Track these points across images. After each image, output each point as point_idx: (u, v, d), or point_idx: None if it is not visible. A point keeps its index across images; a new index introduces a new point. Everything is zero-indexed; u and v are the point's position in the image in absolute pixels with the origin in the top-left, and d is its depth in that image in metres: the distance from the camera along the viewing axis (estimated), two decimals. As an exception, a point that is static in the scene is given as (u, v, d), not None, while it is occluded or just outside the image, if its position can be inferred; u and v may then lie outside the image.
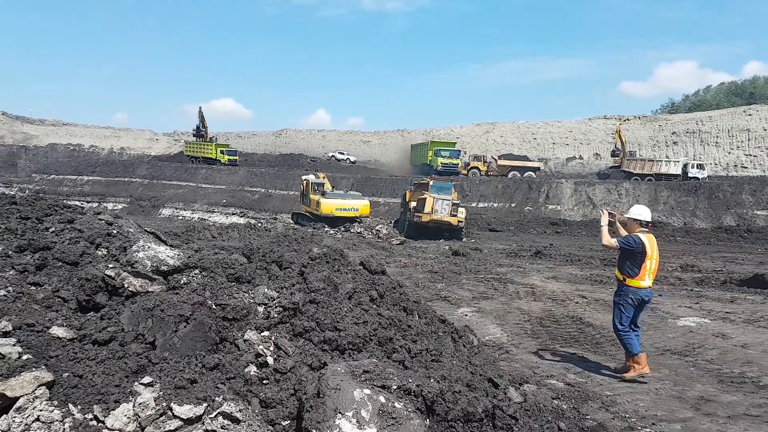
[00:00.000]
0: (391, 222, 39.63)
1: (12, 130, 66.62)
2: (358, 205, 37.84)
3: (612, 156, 65.48)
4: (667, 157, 65.73)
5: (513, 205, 50.15)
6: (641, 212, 8.38)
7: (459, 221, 35.11)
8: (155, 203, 53.55)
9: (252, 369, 5.77)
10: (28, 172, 61.27)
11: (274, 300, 6.89)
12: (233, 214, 49.39)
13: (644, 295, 8.31)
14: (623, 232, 8.77)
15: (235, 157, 63.81)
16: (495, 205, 50.18)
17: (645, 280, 8.16)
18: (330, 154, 74.80)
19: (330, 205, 36.82)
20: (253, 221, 42.82)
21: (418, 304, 9.41)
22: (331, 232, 34.67)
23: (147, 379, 5.13)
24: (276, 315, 6.58)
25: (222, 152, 62.86)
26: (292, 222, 40.25)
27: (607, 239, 8.56)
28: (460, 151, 61.88)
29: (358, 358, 6.16)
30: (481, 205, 50.19)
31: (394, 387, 5.06)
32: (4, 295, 5.98)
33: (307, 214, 39.02)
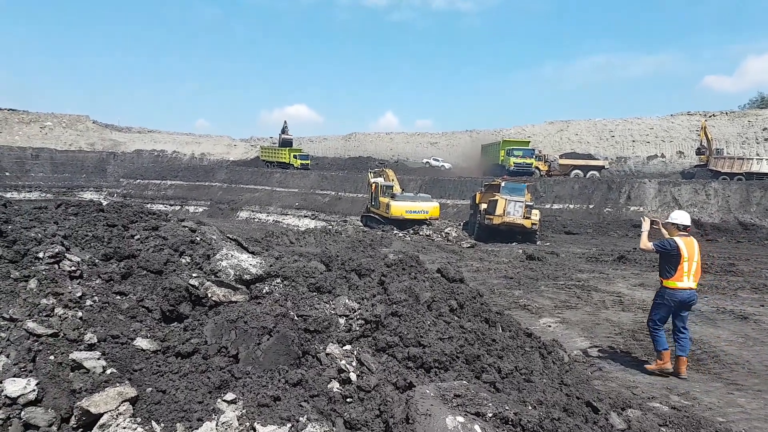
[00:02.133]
0: (460, 224, 38.80)
1: (102, 137, 71.28)
2: (428, 207, 37.20)
3: (697, 154, 61.05)
4: (758, 154, 60.59)
5: (591, 206, 47.85)
6: (678, 217, 8.80)
7: (533, 223, 33.73)
8: (233, 206, 55.53)
9: (335, 386, 5.49)
10: (116, 177, 65.29)
11: (356, 311, 6.61)
12: (305, 216, 50.33)
13: (683, 297, 8.66)
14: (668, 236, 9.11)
15: (307, 162, 65.25)
16: (571, 206, 48.06)
17: (682, 281, 8.57)
18: (425, 161, 72.97)
19: (400, 208, 36.50)
20: (324, 224, 43.35)
21: (500, 315, 8.87)
22: (400, 234, 34.37)
23: (230, 396, 4.96)
24: (358, 328, 6.28)
25: (295, 157, 64.50)
26: (361, 224, 40.36)
27: (645, 243, 8.98)
28: (534, 150, 59.74)
29: (444, 378, 5.75)
30: (555, 206, 48.25)
31: (490, 415, 4.60)
32: (90, 306, 6.03)
33: (376, 216, 38.97)
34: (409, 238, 32.58)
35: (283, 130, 68.79)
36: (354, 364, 5.77)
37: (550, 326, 12.28)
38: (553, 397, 6.12)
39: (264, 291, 6.84)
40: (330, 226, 37.08)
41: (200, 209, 55.75)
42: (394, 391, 5.46)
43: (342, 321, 6.48)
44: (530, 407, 5.16)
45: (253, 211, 54.20)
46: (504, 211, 32.99)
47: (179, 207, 56.05)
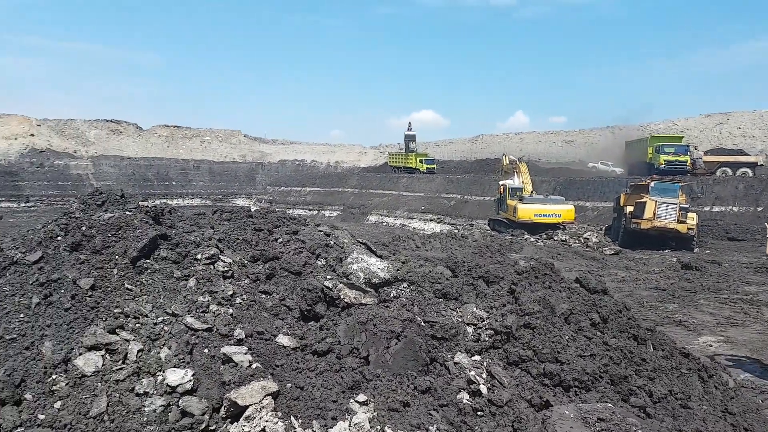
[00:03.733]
0: (601, 229, 36.17)
1: (251, 149, 78.03)
2: (560, 210, 34.87)
3: None
4: None
5: (759, 209, 42.06)
6: None
7: (689, 228, 29.97)
8: (364, 211, 57.61)
9: (464, 397, 5.39)
10: (264, 185, 71.06)
11: (484, 321, 6.43)
12: (430, 220, 50.53)
13: None
14: None
15: (432, 166, 65.77)
16: (735, 209, 42.60)
17: None
18: (591, 165, 64.69)
19: (528, 211, 34.78)
20: (450, 228, 43.17)
21: (651, 331, 8.10)
22: (532, 239, 32.91)
23: (362, 397, 5.09)
24: (487, 338, 6.11)
25: (421, 161, 65.37)
26: (488, 228, 39.43)
27: None
28: (688, 146, 53.40)
29: (586, 399, 5.36)
30: (716, 209, 43.10)
31: (637, 442, 4.19)
32: (240, 303, 6.56)
33: (504, 220, 37.79)
34: (541, 243, 31.12)
35: (409, 129, 70.06)
36: (484, 376, 5.61)
37: (711, 346, 10.96)
38: (716, 427, 5.44)
39: (391, 295, 6.95)
40: (456, 230, 36.80)
41: (334, 214, 58.61)
42: (529, 409, 5.21)
43: (470, 330, 6.35)
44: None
45: (381, 215, 55.74)
46: (654, 214, 29.87)
47: (316, 212, 59.45)
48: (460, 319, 6.42)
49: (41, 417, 4.84)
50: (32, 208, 50.56)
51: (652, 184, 32.23)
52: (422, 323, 6.05)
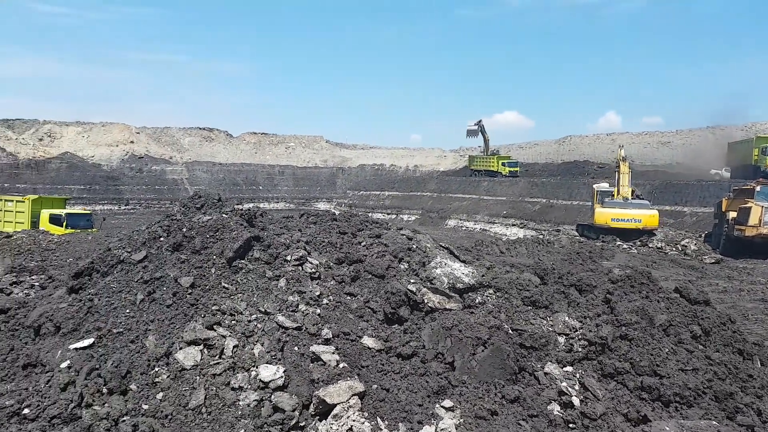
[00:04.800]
0: (700, 236, 33.61)
1: (333, 154, 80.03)
2: (640, 215, 32.43)
3: None
4: None
5: None
6: None
7: (799, 236, 27.54)
8: (442, 215, 57.26)
9: (555, 408, 5.19)
10: (344, 189, 72.57)
11: (577, 331, 6.17)
12: (513, 225, 49.24)
13: None
14: None
15: (516, 168, 64.06)
16: None
17: None
18: (713, 172, 57.43)
19: (604, 215, 32.87)
20: (534, 233, 41.90)
21: (759, 346, 7.44)
22: (624, 246, 31.17)
23: (448, 403, 5.04)
24: (580, 349, 5.85)
25: (503, 164, 63.87)
26: (576, 234, 37.85)
27: None
28: (802, 147, 48.52)
29: (687, 415, 5.01)
30: (832, 215, 38.93)
31: (750, 466, 3.84)
32: (326, 304, 6.72)
33: (590, 225, 36.09)
34: (635, 251, 29.40)
35: (475, 124, 68.25)
36: (576, 387, 5.39)
37: (828, 365, 9.86)
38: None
39: (477, 301, 6.84)
40: (541, 236, 35.62)
41: (413, 218, 58.69)
42: (625, 423, 4.95)
43: (561, 340, 6.12)
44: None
45: (460, 220, 55.07)
46: (760, 220, 27.35)
47: (395, 216, 59.85)
48: (550, 329, 6.20)
49: (145, 407, 5.18)
50: (131, 211, 54.67)
51: (758, 188, 29.47)
52: (510, 331, 5.90)
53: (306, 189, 72.12)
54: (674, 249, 30.54)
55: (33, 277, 9.56)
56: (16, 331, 6.96)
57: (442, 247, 9.00)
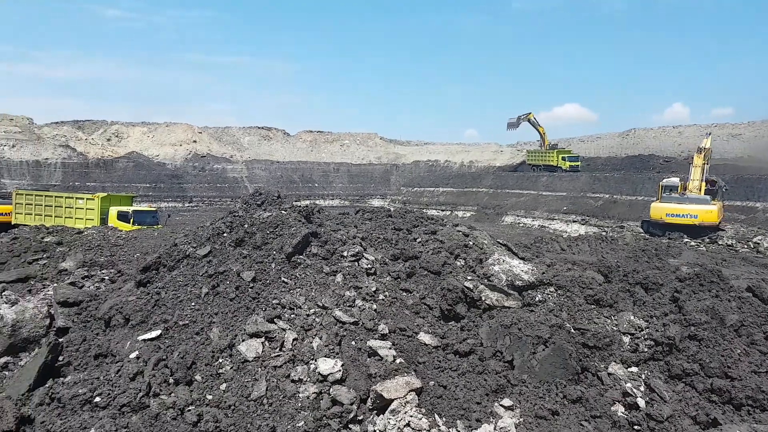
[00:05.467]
0: (776, 233, 31.59)
1: (387, 151, 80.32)
2: (696, 210, 30.70)
3: None
4: None
5: None
6: None
7: None
8: (499, 211, 56.24)
9: (619, 409, 5.01)
10: (398, 186, 72.68)
11: (643, 330, 5.92)
12: (574, 221, 47.72)
13: None
14: None
15: (576, 163, 62.04)
16: None
17: None
18: None
19: (659, 210, 31.37)
20: (597, 230, 40.50)
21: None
22: (692, 243, 29.70)
23: (507, 402, 4.96)
24: (646, 349, 5.61)
25: (563, 159, 62.02)
26: (642, 231, 36.30)
27: None
28: None
29: (761, 419, 4.71)
30: None
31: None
32: (382, 300, 6.75)
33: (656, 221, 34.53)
34: (704, 248, 27.93)
35: (517, 119, 66.15)
36: (642, 389, 5.18)
37: None
38: None
39: (537, 299, 6.68)
40: (604, 233, 34.36)
41: (468, 214, 57.94)
42: (693, 426, 4.71)
43: (626, 339, 5.89)
44: None
45: (518, 216, 53.90)
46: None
47: (449, 212, 59.28)
48: (615, 328, 5.99)
49: (209, 397, 5.37)
50: (194, 208, 56.79)
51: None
52: (572, 330, 5.74)
53: (360, 186, 72.72)
54: (745, 246, 28.83)
55: (103, 271, 10.09)
56: (88, 323, 7.39)
57: (500, 243, 8.85)
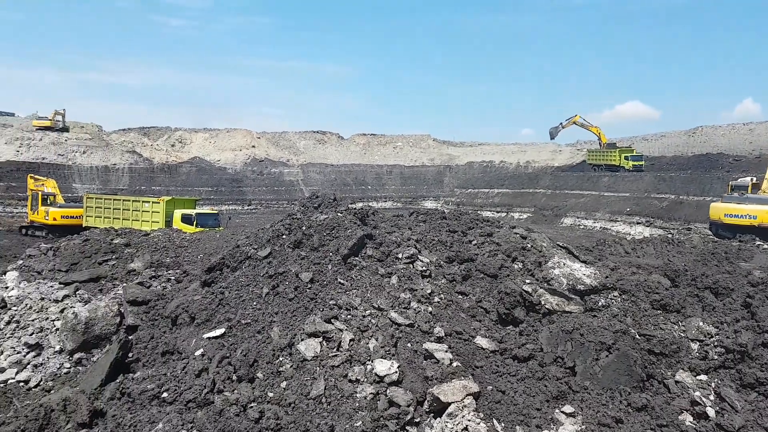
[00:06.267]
0: None
1: (440, 152, 79.95)
2: (756, 211, 28.95)
3: None
4: None
5: None
6: None
7: None
8: (557, 213, 54.80)
9: (687, 418, 4.78)
10: (451, 187, 72.15)
11: (712, 337, 5.63)
12: (638, 223, 45.83)
13: None
14: None
15: (640, 163, 59.59)
16: None
17: None
18: None
19: (718, 210, 29.81)
20: (662, 232, 38.76)
21: None
22: (765, 246, 27.94)
23: (569, 409, 4.84)
24: (716, 357, 5.34)
25: (626, 158, 59.76)
26: (710, 233, 34.47)
27: None
28: None
29: None
30: None
31: None
32: (438, 302, 6.74)
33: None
34: (778, 252, 26.27)
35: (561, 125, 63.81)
36: (711, 398, 4.93)
37: None
38: None
39: (599, 304, 6.47)
40: (670, 235, 32.83)
41: (524, 216, 56.75)
42: (772, 440, 4.44)
43: (695, 346, 5.61)
44: None
45: (577, 218, 52.33)
46: None
47: (505, 214, 58.22)
48: (682, 334, 5.73)
49: (270, 395, 5.51)
50: (253, 211, 58.49)
51: None
52: (637, 336, 5.54)
53: (413, 188, 72.70)
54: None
55: (169, 272, 10.55)
56: (155, 321, 7.75)
57: (560, 246, 8.63)
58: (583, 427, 4.38)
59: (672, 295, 6.47)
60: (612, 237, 34.27)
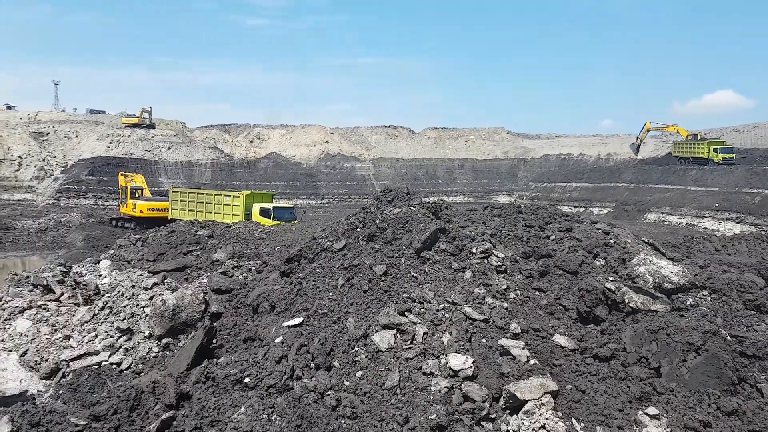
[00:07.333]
0: None
1: (514, 145, 78.05)
2: None
3: None
4: None
5: None
6: None
7: None
8: (640, 208, 52.09)
9: (788, 430, 4.45)
10: (526, 181, 70.32)
11: (820, 342, 5.19)
12: (727, 219, 42.69)
13: None
14: None
15: (731, 155, 55.42)
16: None
17: None
18: None
19: None
20: (755, 228, 35.92)
21: None
22: None
23: (653, 410, 4.63)
24: (824, 364, 4.92)
25: (715, 150, 55.75)
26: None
27: None
28: None
29: None
30: None
31: None
32: (514, 298, 6.62)
33: None
34: None
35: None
36: (817, 407, 4.54)
37: None
38: None
39: (688, 303, 6.13)
40: (763, 232, 30.36)
41: (604, 211, 54.34)
42: None
43: (797, 351, 5.20)
44: None
45: (662, 213, 49.47)
46: None
47: (583, 209, 56.09)
48: (781, 337, 5.32)
49: (346, 383, 5.65)
50: (326, 205, 59.86)
51: None
52: (728, 337, 5.19)
53: (485, 182, 71.50)
54: None
55: (250, 263, 11.04)
56: (238, 309, 8.14)
57: (645, 242, 8.23)
58: (668, 429, 4.19)
59: (766, 295, 6.01)
60: (700, 234, 32.27)
